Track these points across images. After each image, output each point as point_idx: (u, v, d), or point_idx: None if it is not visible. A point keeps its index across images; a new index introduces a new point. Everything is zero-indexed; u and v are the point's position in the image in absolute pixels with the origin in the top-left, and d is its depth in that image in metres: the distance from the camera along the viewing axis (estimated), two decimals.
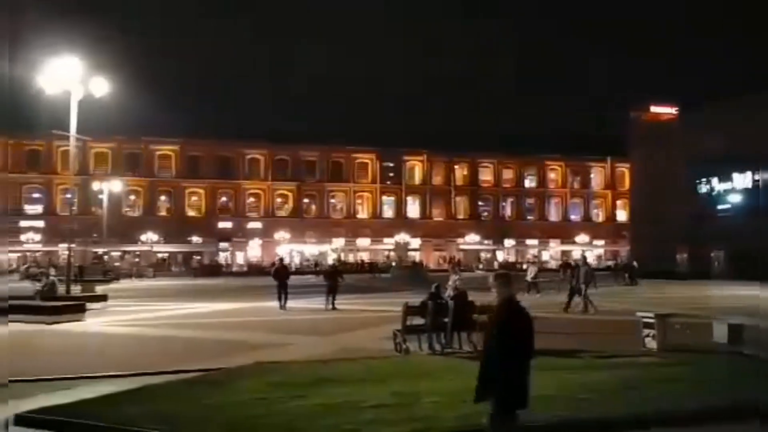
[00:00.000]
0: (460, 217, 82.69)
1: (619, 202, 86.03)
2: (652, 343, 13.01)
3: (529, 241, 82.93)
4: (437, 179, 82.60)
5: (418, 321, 13.68)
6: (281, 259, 29.71)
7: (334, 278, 24.41)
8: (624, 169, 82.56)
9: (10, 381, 10.52)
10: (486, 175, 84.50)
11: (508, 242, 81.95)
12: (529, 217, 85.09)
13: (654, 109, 71.58)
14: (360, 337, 15.98)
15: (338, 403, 8.32)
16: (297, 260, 73.12)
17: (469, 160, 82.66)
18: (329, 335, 16.47)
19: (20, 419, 8.10)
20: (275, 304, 23.96)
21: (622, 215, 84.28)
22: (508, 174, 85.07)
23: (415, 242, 78.25)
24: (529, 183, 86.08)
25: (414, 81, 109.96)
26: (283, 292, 23.81)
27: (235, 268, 71.35)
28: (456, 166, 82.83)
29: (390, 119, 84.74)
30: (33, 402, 8.73)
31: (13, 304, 22.39)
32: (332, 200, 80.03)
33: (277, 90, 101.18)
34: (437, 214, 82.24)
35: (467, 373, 10.74)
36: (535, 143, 77.64)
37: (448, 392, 8.92)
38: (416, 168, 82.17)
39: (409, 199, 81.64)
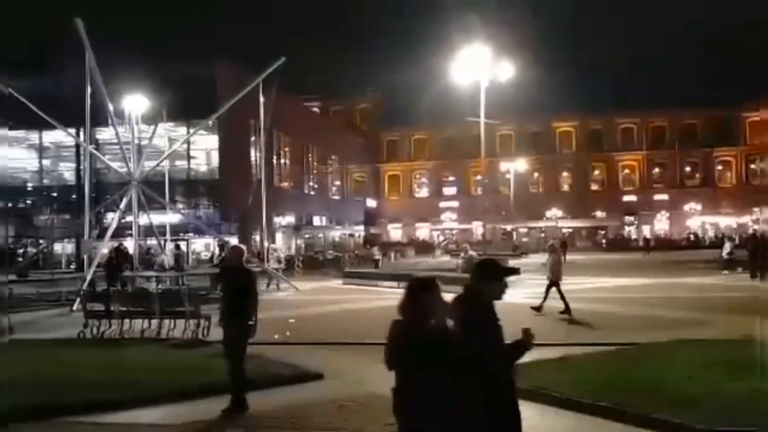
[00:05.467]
0: None
1: None
2: None
3: None
4: None
5: None
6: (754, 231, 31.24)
7: None
8: None
9: None
10: None
11: None
12: None
13: None
14: None
15: None
16: (711, 233, 67.18)
17: None
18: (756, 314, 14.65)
19: None
20: (697, 279, 22.35)
21: None
22: None
23: None
24: None
25: None
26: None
27: (641, 243, 68.72)
28: None
29: None
30: None
31: (439, 276, 25.18)
32: (752, 165, 71.16)
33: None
34: None
35: None
36: None
37: None
38: None
39: None
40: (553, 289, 16.08)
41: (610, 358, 9.62)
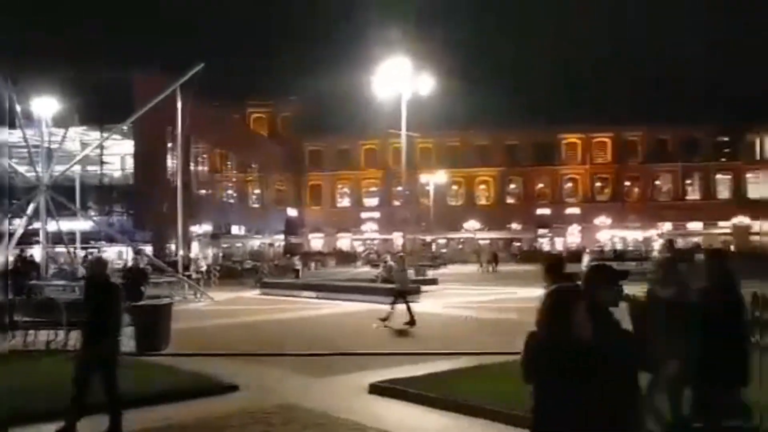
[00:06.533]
0: None
1: None
2: None
3: None
4: None
5: None
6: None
7: None
8: None
9: (364, 354, 11.96)
10: None
11: None
12: None
13: None
14: None
15: None
16: (619, 246, 70.18)
17: None
18: None
19: (374, 388, 9.11)
20: None
21: None
22: None
23: (758, 225, 69.44)
24: None
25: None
26: None
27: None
28: None
29: (721, 89, 76.13)
30: (385, 373, 9.73)
31: (358, 286, 25.34)
32: (657, 182, 74.98)
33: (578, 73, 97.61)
34: None
35: None
36: None
37: None
38: (757, 141, 72.75)
39: (750, 176, 72.67)
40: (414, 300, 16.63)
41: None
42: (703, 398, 5.27)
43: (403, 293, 16.25)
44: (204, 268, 32.21)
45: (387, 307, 16.17)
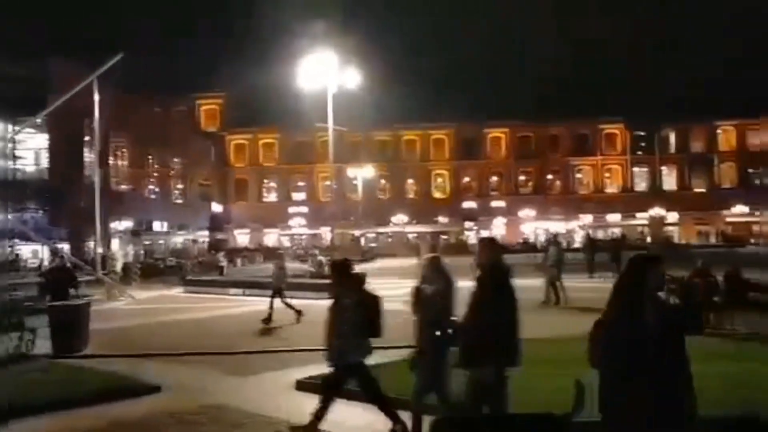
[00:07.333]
0: (726, 186, 75.13)
1: None
2: None
3: None
4: (696, 146, 75.91)
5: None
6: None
7: None
8: None
9: (296, 350, 11.82)
10: (756, 139, 75.71)
11: None
12: None
13: None
14: None
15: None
16: (542, 238, 72.09)
17: (735, 124, 74.72)
18: (573, 315, 15.71)
19: (301, 384, 9.01)
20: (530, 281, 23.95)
21: None
22: None
23: (672, 216, 72.76)
24: None
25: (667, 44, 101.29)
26: None
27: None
28: (719, 131, 75.43)
29: (638, 85, 79.14)
30: (313, 369, 9.63)
31: (289, 282, 25.04)
32: (578, 175, 77.42)
33: (514, 70, 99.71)
34: (698, 185, 75.60)
35: (741, 355, 9.82)
36: None
37: (720, 375, 8.16)
38: (671, 135, 76.18)
39: (664, 169, 76.02)
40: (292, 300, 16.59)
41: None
42: (475, 380, 5.56)
43: (278, 291, 16.36)
44: (118, 267, 31.07)
45: (305, 302, 16.37)
